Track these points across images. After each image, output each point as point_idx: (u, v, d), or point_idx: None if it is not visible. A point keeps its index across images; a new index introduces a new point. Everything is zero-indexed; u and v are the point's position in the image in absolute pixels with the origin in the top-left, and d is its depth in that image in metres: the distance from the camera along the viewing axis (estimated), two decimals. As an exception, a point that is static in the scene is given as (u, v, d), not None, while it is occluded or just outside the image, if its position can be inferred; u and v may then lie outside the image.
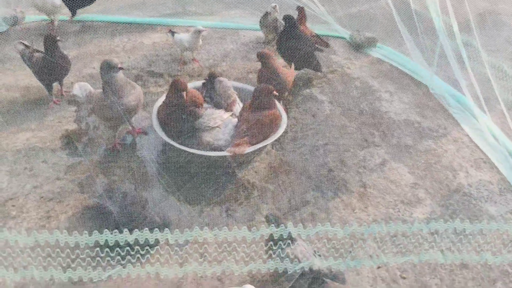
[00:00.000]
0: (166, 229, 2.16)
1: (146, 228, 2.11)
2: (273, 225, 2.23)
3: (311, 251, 2.37)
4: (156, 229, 2.14)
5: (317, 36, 4.50)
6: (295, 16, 4.34)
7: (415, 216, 2.91)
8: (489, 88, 3.68)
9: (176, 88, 3.09)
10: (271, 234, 2.25)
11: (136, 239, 2.11)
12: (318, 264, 2.32)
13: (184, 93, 3.06)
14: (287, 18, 4.06)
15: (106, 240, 2.08)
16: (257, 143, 3.04)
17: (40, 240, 2.07)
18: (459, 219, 2.34)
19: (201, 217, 2.84)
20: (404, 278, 2.54)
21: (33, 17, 5.00)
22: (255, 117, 3.07)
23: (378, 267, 2.59)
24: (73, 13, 4.82)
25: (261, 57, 3.59)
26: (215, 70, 4.25)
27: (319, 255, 2.41)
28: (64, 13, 4.81)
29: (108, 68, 2.98)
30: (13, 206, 2.82)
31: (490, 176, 3.28)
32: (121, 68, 2.99)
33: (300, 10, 4.52)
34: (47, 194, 2.91)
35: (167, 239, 2.14)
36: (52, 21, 4.76)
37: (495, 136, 3.59)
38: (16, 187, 2.95)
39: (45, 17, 4.84)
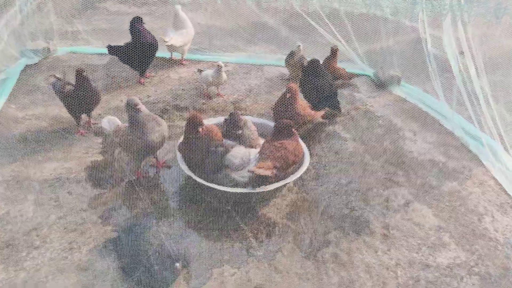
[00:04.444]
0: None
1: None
2: None
3: None
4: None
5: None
6: (326, 55, 4.66)
7: (439, 261, 2.84)
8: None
9: (192, 123, 3.14)
10: None
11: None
12: None
13: (200, 128, 3.11)
14: (312, 63, 4.17)
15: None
16: (279, 167, 3.06)
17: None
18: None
19: (221, 254, 2.82)
20: None
21: (65, 49, 5.16)
22: (279, 142, 3.13)
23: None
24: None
25: (290, 90, 3.67)
26: (239, 106, 4.33)
27: None
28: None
29: (130, 106, 3.04)
30: (37, 236, 2.85)
31: (517, 221, 3.21)
32: (138, 110, 3.03)
33: (334, 50, 4.72)
34: (71, 225, 2.95)
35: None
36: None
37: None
38: (41, 217, 2.99)
39: (76, 49, 5.02)
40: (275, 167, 3.03)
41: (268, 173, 2.96)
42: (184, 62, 5.09)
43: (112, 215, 3.04)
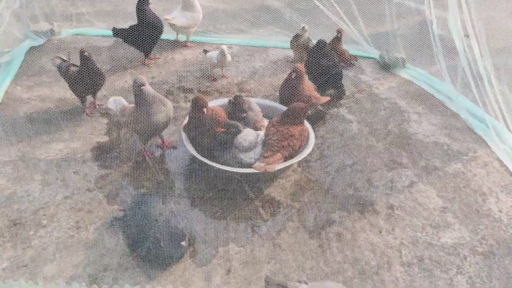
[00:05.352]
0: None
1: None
2: None
3: None
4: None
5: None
6: (332, 37, 4.71)
7: (443, 241, 2.86)
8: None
9: (197, 105, 3.16)
10: None
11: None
12: None
13: (205, 110, 3.12)
14: (320, 44, 4.14)
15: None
16: (287, 156, 3.07)
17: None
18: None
19: (227, 232, 2.85)
20: None
21: (69, 30, 5.15)
22: (286, 129, 3.12)
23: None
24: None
25: (296, 71, 3.67)
26: (244, 87, 4.32)
27: None
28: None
29: (136, 85, 3.04)
30: (44, 215, 2.88)
31: (521, 202, 3.21)
32: (142, 85, 3.02)
33: (339, 32, 4.78)
34: (77, 204, 2.98)
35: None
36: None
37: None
38: (48, 196, 3.02)
39: (80, 30, 5.00)
40: (283, 156, 3.05)
41: (275, 167, 2.98)
42: (188, 44, 5.07)
43: (118, 194, 3.07)
